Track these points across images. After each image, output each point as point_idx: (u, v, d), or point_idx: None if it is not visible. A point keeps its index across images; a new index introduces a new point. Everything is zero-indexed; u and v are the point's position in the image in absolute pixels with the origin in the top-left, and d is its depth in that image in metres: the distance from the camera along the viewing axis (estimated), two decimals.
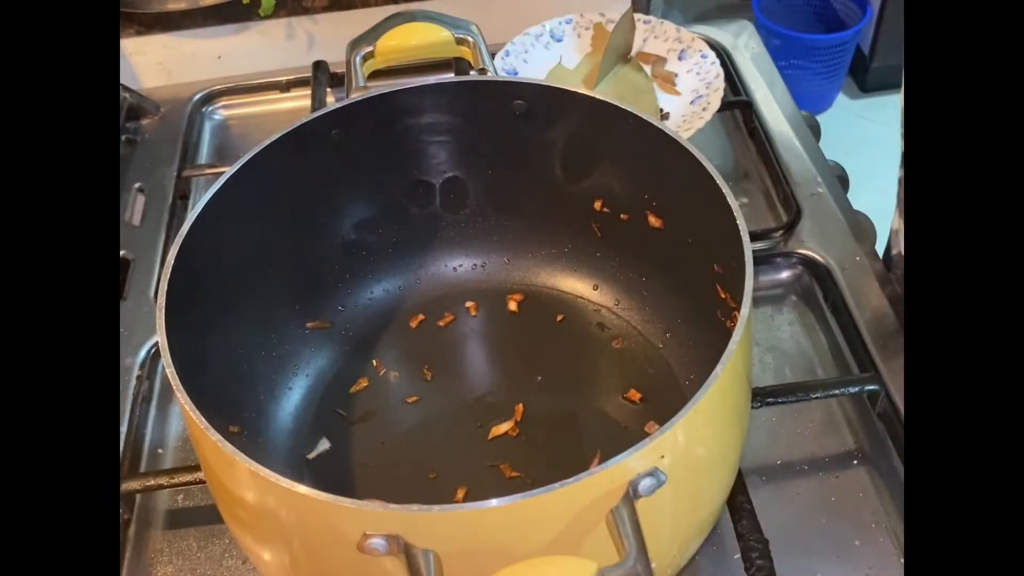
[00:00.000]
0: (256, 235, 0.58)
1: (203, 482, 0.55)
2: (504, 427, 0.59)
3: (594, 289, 0.66)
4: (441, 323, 0.66)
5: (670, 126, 0.60)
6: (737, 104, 0.82)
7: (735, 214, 0.49)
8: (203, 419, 0.42)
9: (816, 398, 0.60)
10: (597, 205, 0.63)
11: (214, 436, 0.42)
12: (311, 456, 0.59)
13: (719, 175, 0.51)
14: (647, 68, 0.83)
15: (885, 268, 0.68)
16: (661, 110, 0.77)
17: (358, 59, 0.66)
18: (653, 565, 0.37)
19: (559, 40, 0.83)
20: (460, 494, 0.56)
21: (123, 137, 0.84)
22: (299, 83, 0.89)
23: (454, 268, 0.68)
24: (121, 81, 0.87)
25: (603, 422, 0.59)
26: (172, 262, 0.49)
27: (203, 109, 0.89)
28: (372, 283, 0.66)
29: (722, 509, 0.52)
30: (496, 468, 0.57)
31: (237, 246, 0.56)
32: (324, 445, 0.59)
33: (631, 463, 0.39)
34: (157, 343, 0.56)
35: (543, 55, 0.83)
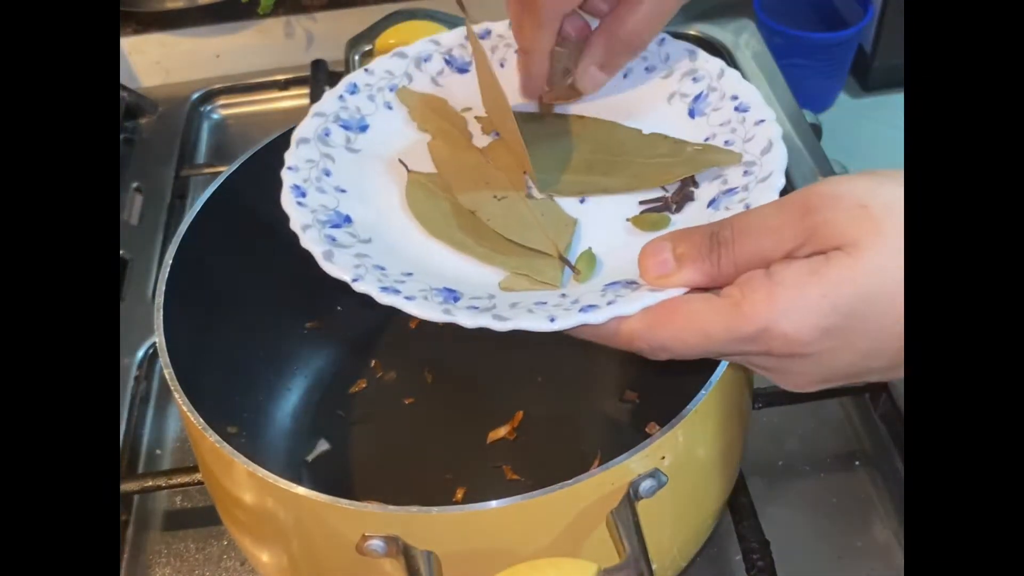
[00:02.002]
0: (254, 235, 0.58)
1: (201, 483, 0.55)
2: (504, 428, 0.59)
3: None
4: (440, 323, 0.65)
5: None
6: None
7: None
8: (201, 419, 0.42)
9: (817, 399, 0.60)
10: None
11: (212, 437, 0.41)
12: (310, 457, 0.58)
13: None
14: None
15: None
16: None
17: (357, 57, 0.66)
18: (654, 566, 0.36)
19: (463, 71, 0.45)
20: (460, 495, 0.55)
21: (121, 136, 0.84)
22: (298, 82, 0.89)
23: None
24: None
25: (603, 423, 0.59)
26: (170, 262, 0.49)
27: (201, 108, 0.89)
28: None
29: (723, 510, 0.52)
30: (496, 469, 0.57)
31: (235, 246, 0.56)
32: (323, 446, 0.59)
33: (632, 464, 0.39)
34: (155, 343, 0.56)
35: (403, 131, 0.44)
